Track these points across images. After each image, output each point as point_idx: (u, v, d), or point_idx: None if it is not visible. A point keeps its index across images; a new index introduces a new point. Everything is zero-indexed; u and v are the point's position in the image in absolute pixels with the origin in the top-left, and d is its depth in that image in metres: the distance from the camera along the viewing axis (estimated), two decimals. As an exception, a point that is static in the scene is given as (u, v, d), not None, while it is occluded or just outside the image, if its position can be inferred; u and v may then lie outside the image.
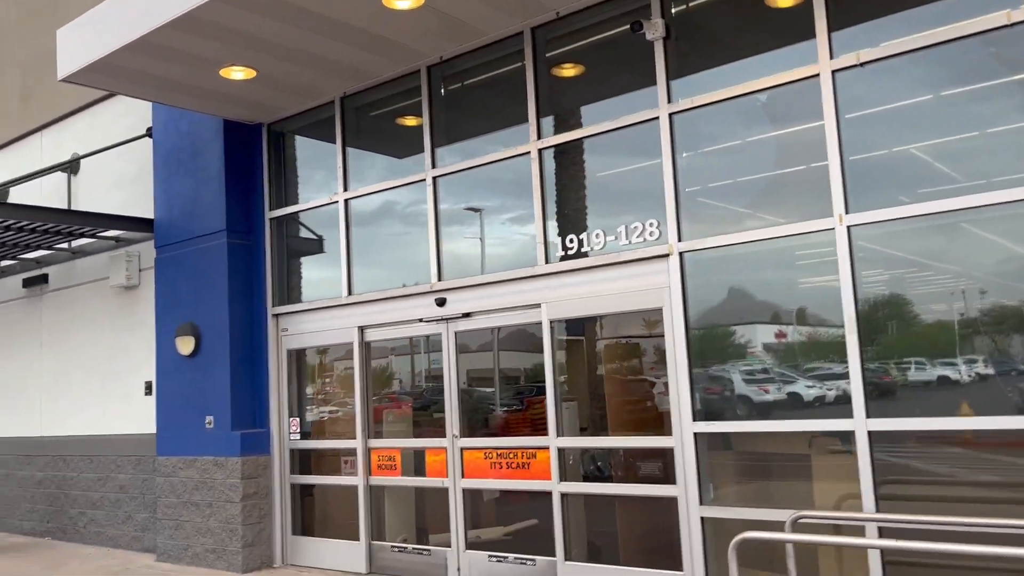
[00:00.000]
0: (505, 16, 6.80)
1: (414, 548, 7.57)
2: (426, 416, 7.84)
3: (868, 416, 5.24)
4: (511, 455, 6.97)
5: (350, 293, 8.13)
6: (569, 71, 6.97)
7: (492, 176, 7.30)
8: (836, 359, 5.44)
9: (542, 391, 6.79)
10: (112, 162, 10.32)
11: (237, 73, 7.47)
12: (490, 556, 7.05)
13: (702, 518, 5.90)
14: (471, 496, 7.30)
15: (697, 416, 5.97)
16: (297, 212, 8.73)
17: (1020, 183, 4.82)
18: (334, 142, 8.33)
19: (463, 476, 7.24)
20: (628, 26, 6.30)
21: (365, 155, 8.35)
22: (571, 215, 6.80)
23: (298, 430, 8.57)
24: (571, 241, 6.68)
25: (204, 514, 8.49)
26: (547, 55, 6.98)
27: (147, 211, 9.57)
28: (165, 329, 9.06)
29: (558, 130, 6.86)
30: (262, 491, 8.43)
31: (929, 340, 5.21)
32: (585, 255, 6.59)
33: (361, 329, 8.03)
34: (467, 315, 7.28)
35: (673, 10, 6.27)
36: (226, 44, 6.88)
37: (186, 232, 8.94)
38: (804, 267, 5.71)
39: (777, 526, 5.24)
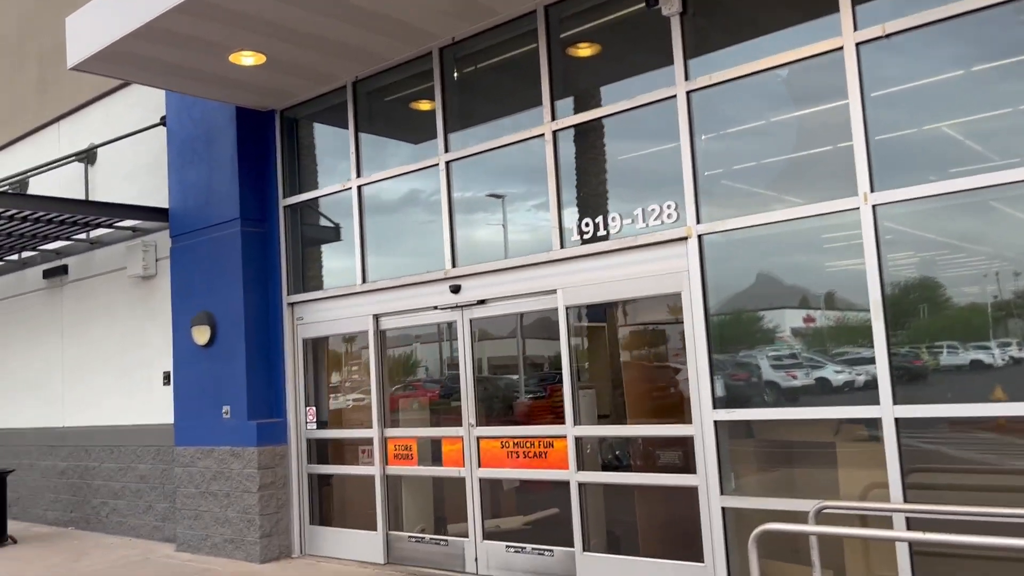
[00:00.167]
0: (518, -6, 6.63)
1: (431, 538, 7.48)
2: (443, 405, 7.73)
3: (895, 403, 5.04)
4: (528, 444, 6.83)
5: (364, 281, 8.02)
6: (584, 51, 6.79)
7: (506, 161, 7.14)
8: (861, 344, 5.24)
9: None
10: (128, 152, 10.29)
11: (247, 58, 7.36)
12: (507, 547, 6.94)
13: (723, 508, 5.74)
14: (490, 486, 7.18)
15: (717, 403, 5.79)
16: (311, 199, 8.63)
17: (1056, 157, 4.59)
18: (347, 128, 8.21)
19: (480, 465, 7.13)
20: (644, 2, 6.11)
21: (378, 141, 8.22)
22: (587, 198, 6.63)
23: (315, 419, 8.50)
24: (587, 225, 6.51)
25: (222, 504, 8.46)
26: (561, 35, 6.79)
27: (163, 200, 9.53)
28: (181, 319, 9.02)
29: (573, 111, 6.68)
30: (279, 481, 8.38)
31: (960, 323, 4.99)
32: (601, 239, 6.42)
33: (376, 317, 7.93)
34: (482, 302, 7.14)
35: (690, -16, 6.07)
36: (234, 28, 6.77)
37: (200, 221, 8.88)
38: (828, 249, 5.50)
39: (800, 516, 5.06)
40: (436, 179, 7.46)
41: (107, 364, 10.48)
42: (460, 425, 7.25)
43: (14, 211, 9.03)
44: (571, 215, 6.63)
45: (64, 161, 10.97)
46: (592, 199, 6.60)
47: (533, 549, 6.79)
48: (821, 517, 4.92)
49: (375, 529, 7.81)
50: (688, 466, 5.96)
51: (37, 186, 11.61)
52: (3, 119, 12.81)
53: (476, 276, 7.16)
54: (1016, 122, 4.79)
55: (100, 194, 10.62)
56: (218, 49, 7.13)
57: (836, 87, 5.34)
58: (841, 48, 5.32)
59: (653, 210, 6.16)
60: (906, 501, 5.01)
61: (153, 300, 9.79)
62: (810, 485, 5.58)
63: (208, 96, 8.28)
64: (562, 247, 6.62)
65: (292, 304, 8.64)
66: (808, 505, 4.99)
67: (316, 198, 8.59)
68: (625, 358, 6.76)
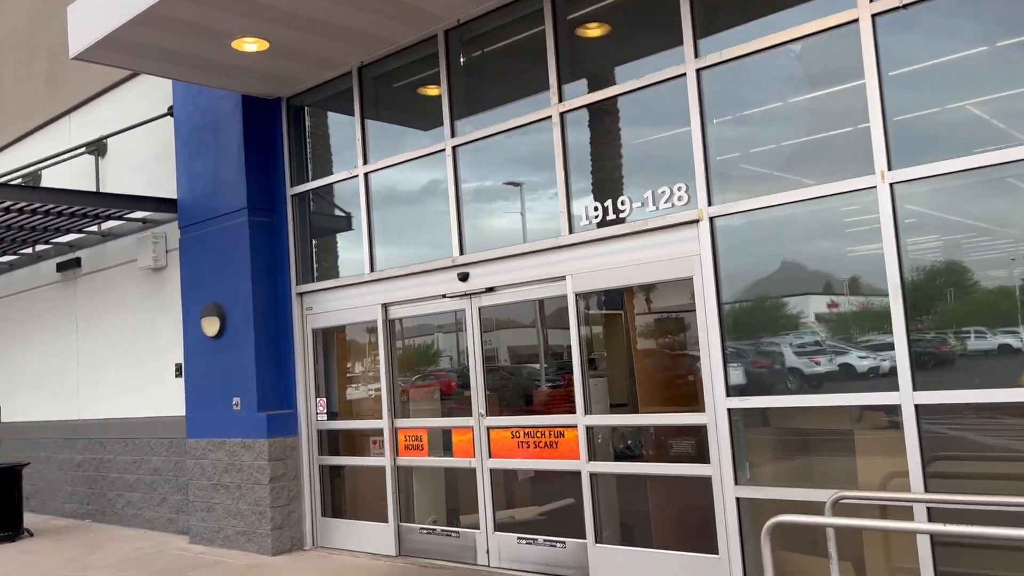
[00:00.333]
0: (522, -27, 6.46)
1: (442, 530, 7.38)
2: (454, 394, 7.61)
3: (915, 389, 4.85)
4: (539, 434, 6.70)
5: (372, 269, 7.91)
6: (592, 31, 6.60)
7: (514, 146, 6.98)
8: (880, 329, 5.04)
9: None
10: (138, 143, 10.23)
11: (249, 45, 7.25)
12: (519, 538, 6.82)
13: (737, 499, 5.58)
14: (504, 476, 7.06)
15: (731, 391, 5.62)
16: (318, 188, 8.52)
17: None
18: (353, 115, 8.08)
19: (490, 456, 7.00)
20: (651, -22, 5.92)
21: (385, 128, 8.09)
22: (596, 182, 6.46)
23: (325, 410, 8.41)
24: (596, 210, 6.34)
25: (234, 496, 8.41)
26: (568, 16, 6.61)
27: (173, 191, 9.46)
28: (191, 310, 8.96)
29: (581, 93, 6.50)
30: (290, 473, 8.31)
31: (988, 307, 4.78)
32: (611, 223, 6.25)
33: (384, 306, 7.81)
34: (490, 290, 7.00)
35: (699, -42, 5.86)
36: (235, 14, 6.65)
37: (208, 211, 8.80)
38: (845, 233, 5.29)
39: (817, 507, 4.89)
40: (443, 165, 7.31)
41: (120, 357, 10.47)
42: (470, 415, 7.13)
43: (23, 204, 9.01)
44: (580, 200, 6.47)
45: (74, 153, 10.94)
46: (601, 183, 6.43)
47: (545, 541, 6.66)
48: (839, 508, 4.75)
49: (386, 521, 7.72)
50: (702, 455, 5.80)
51: (50, 179, 11.60)
52: (16, 113, 12.82)
53: (484, 263, 7.02)
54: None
55: (111, 186, 10.58)
56: (220, 36, 7.02)
57: (851, 62, 5.12)
58: (856, 20, 5.10)
59: (663, 193, 5.98)
60: (927, 490, 4.82)
61: (164, 292, 9.75)
62: (827, 475, 5.41)
63: (212, 84, 8.18)
64: (571, 232, 6.46)
65: (301, 294, 8.55)
66: (825, 495, 4.81)
67: (323, 186, 8.48)
68: (637, 345, 6.60)
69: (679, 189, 5.89)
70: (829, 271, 5.40)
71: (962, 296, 4.89)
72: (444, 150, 7.28)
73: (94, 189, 10.73)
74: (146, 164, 10.08)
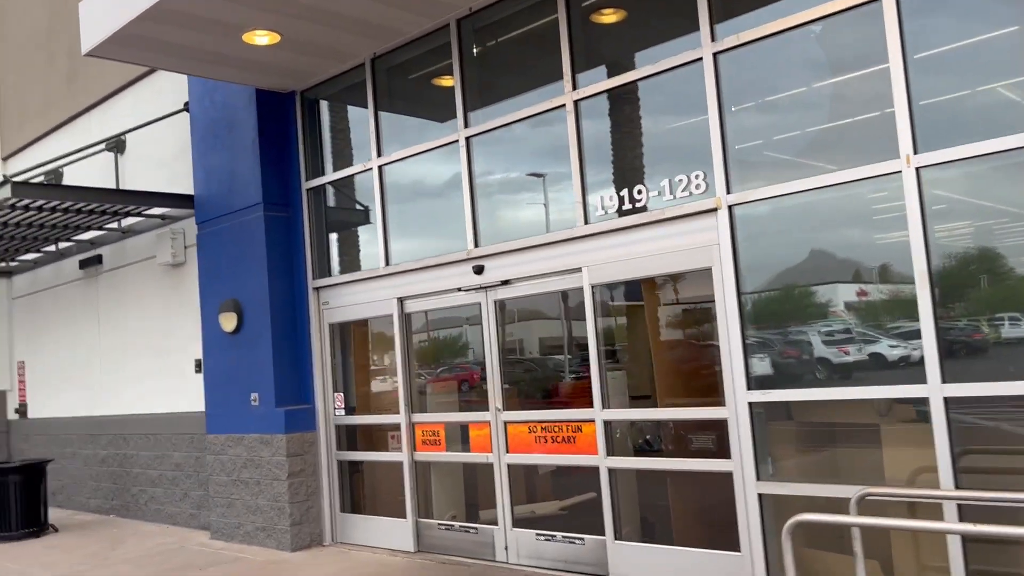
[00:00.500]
0: (534, -42, 6.31)
1: (460, 526, 7.29)
2: (472, 388, 7.50)
3: (944, 380, 4.66)
4: (556, 428, 6.58)
5: (388, 263, 7.82)
6: (606, 17, 6.43)
7: (529, 136, 6.85)
8: (907, 318, 4.85)
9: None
10: (157, 139, 10.22)
11: (261, 38, 7.17)
12: (538, 535, 6.71)
13: (760, 495, 5.42)
14: (524, 470, 6.95)
15: (752, 384, 5.46)
16: (333, 181, 8.44)
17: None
18: (367, 107, 7.98)
19: (507, 451, 6.90)
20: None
21: (399, 120, 7.99)
22: (611, 172, 6.30)
23: (343, 405, 8.35)
24: (611, 199, 6.19)
25: (253, 492, 8.39)
26: (582, 2, 6.45)
27: (191, 187, 9.43)
28: (209, 306, 8.94)
29: (595, 80, 6.34)
30: (309, 468, 8.26)
31: (1021, 293, 4.57)
32: (627, 213, 6.10)
33: (400, 300, 7.72)
34: (506, 282, 6.88)
35: (716, -62, 5.68)
36: (245, 7, 6.57)
37: (225, 207, 8.77)
38: (871, 219, 5.10)
39: (842, 503, 4.73)
40: (457, 156, 7.20)
41: (141, 353, 10.50)
42: (487, 409, 7.03)
43: (42, 202, 9.04)
44: (595, 189, 6.32)
45: (93, 150, 10.96)
46: (616, 172, 6.28)
47: (563, 537, 6.55)
48: (864, 505, 4.59)
49: (405, 517, 7.65)
50: (722, 450, 5.65)
51: (71, 176, 11.65)
52: (38, 111, 12.90)
53: (499, 256, 6.90)
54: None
55: (130, 183, 10.59)
56: (231, 29, 6.95)
57: (875, 43, 4.92)
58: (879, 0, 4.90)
59: (680, 181, 5.82)
60: (957, 486, 4.63)
61: (183, 288, 9.74)
62: (853, 470, 5.23)
63: (225, 78, 8.13)
64: (586, 223, 6.32)
65: (317, 289, 8.49)
66: (850, 491, 4.65)
67: (338, 180, 8.40)
68: (656, 337, 6.45)
69: (696, 177, 5.72)
70: (856, 259, 5.21)
71: (995, 283, 4.69)
72: (457, 141, 7.16)
73: (114, 186, 10.75)
74: (166, 160, 10.07)
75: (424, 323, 7.94)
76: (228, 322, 8.63)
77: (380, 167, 7.86)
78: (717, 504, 5.69)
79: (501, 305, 7.02)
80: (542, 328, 7.36)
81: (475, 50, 7.20)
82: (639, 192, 6.06)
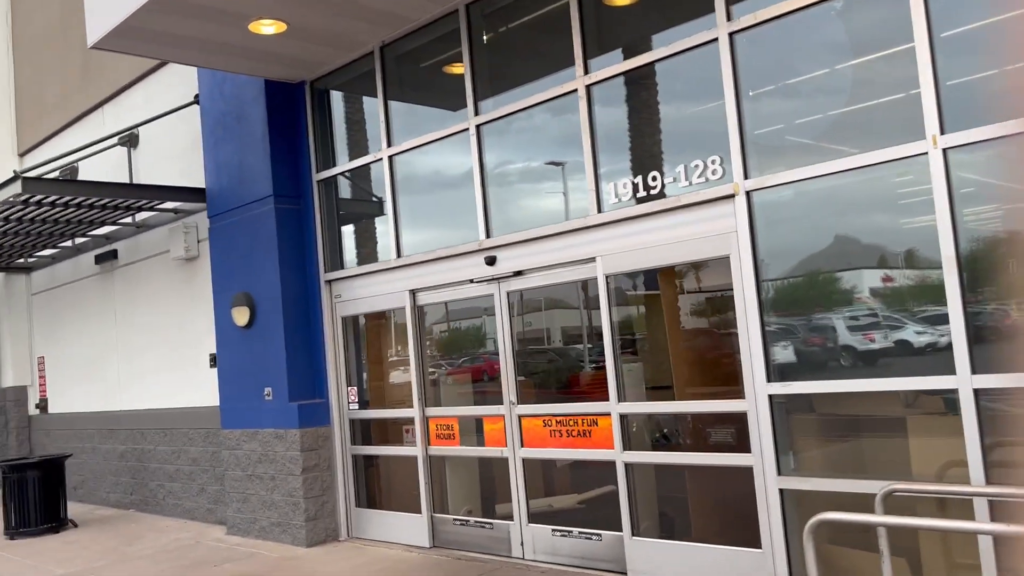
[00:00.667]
0: (543, -61, 6.13)
1: (476, 521, 7.17)
2: (486, 381, 7.37)
3: (974, 372, 4.45)
4: (571, 422, 6.43)
5: (399, 255, 7.70)
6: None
7: (541, 124, 6.67)
8: (934, 306, 4.65)
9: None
10: (169, 132, 10.16)
11: (267, 27, 7.05)
12: (553, 531, 6.58)
13: (781, 490, 5.24)
14: (541, 464, 6.81)
15: (772, 375, 5.28)
16: (343, 172, 8.32)
17: None
18: (376, 96, 7.84)
19: (522, 445, 6.76)
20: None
21: (409, 109, 7.84)
22: (625, 158, 6.12)
23: (356, 399, 8.26)
24: (625, 187, 6.02)
25: (268, 487, 8.32)
26: (595, -18, 6.27)
27: (203, 181, 9.36)
28: (222, 300, 8.87)
29: (608, 64, 6.16)
30: (323, 463, 8.18)
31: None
32: (641, 201, 5.92)
33: (412, 293, 7.60)
34: (518, 273, 6.73)
35: (731, -86, 5.46)
36: (249, -5, 6.45)
37: (235, 200, 8.68)
38: (896, 203, 4.89)
39: (867, 500, 4.55)
40: (467, 145, 7.05)
41: (157, 347, 10.47)
42: (501, 403, 6.89)
43: (56, 197, 9.00)
44: (608, 177, 6.15)
45: (106, 145, 10.92)
46: (630, 159, 6.09)
47: (580, 533, 6.41)
48: (890, 501, 4.41)
49: (419, 512, 7.54)
50: (742, 444, 5.47)
51: (86, 171, 11.63)
52: (53, 106, 12.90)
53: (511, 246, 6.75)
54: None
55: (144, 177, 10.55)
56: (236, 18, 6.83)
57: (899, 20, 4.70)
58: (903, -29, 4.68)
59: (696, 166, 5.63)
60: (988, 482, 4.43)
61: (196, 282, 9.69)
62: (877, 464, 5.04)
63: (233, 69, 8.02)
64: (599, 211, 6.15)
65: (329, 282, 8.38)
66: (875, 487, 4.48)
67: (348, 171, 8.28)
68: (673, 328, 6.27)
69: (713, 163, 5.53)
70: (881, 244, 5.00)
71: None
72: (467, 129, 7.01)
73: (127, 180, 10.71)
74: (178, 153, 10.01)
75: (440, 315, 7.80)
76: (241, 316, 8.56)
77: (390, 157, 7.73)
78: (737, 499, 5.52)
79: (516, 296, 6.87)
80: (563, 317, 7.20)
81: (485, 36, 7.03)
82: (653, 179, 5.88)
